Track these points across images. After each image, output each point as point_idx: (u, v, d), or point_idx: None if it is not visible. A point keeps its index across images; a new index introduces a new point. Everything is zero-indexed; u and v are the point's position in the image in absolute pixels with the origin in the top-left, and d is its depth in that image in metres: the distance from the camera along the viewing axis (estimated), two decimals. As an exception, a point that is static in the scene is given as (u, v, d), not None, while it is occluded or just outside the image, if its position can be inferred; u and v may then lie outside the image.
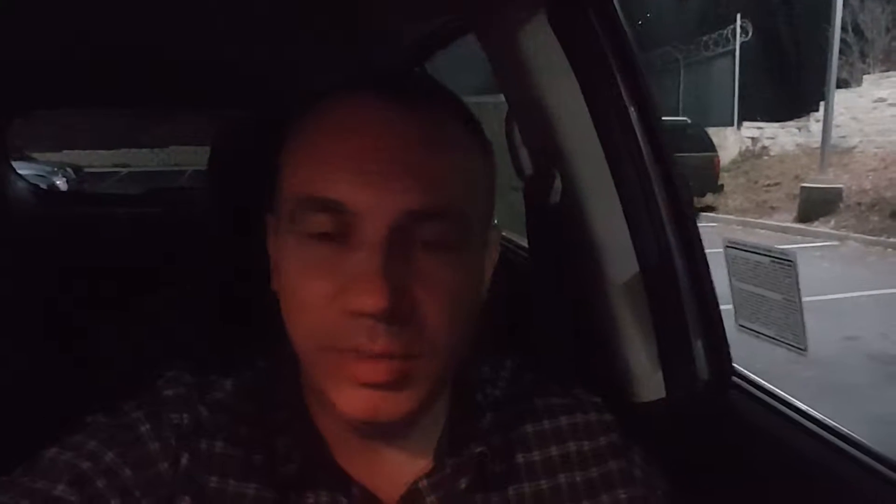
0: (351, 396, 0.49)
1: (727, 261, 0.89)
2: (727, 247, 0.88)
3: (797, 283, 0.80)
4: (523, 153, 1.05)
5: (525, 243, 1.19)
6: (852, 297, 6.19)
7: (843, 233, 9.42)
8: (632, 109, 0.94)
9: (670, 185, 0.95)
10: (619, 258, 0.98)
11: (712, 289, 0.95)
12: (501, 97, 1.10)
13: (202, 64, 1.59)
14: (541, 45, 0.96)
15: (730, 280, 0.91)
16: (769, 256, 0.82)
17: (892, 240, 8.79)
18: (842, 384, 4.07)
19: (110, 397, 0.58)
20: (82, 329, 1.02)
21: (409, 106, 0.51)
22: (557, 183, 0.98)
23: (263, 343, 0.61)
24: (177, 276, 1.06)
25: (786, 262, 0.80)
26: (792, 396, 0.89)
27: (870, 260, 8.23)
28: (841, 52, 11.77)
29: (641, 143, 0.95)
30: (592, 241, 0.99)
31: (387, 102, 0.51)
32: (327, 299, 0.48)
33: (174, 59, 1.50)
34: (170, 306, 1.00)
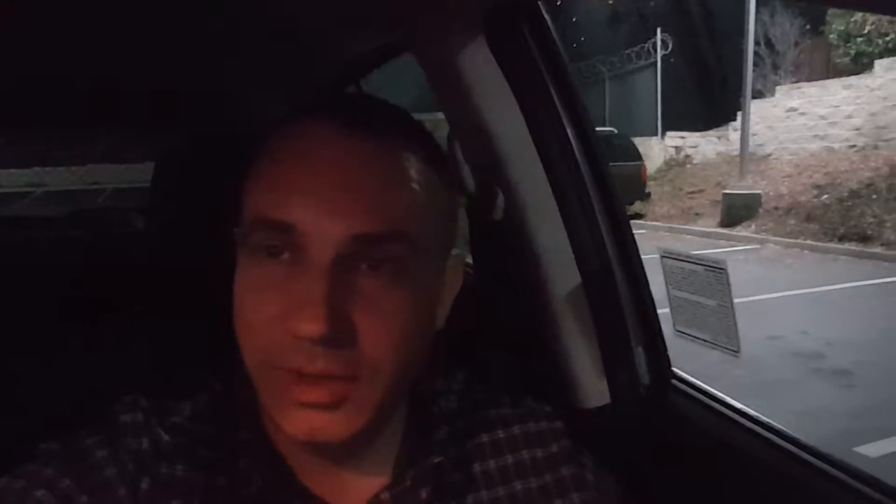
0: (292, 416, 0.50)
1: (664, 270, 0.93)
2: (663, 257, 0.93)
3: (729, 289, 0.84)
4: (466, 170, 1.07)
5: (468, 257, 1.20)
6: (774, 298, 6.48)
7: (763, 236, 9.86)
8: (568, 125, 0.98)
9: (608, 198, 0.99)
10: (561, 270, 1.01)
11: (651, 297, 1.00)
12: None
13: (128, 81, 1.54)
14: (479, 64, 0.98)
15: (667, 289, 0.95)
16: (703, 265, 0.87)
17: (808, 242, 9.25)
18: (769, 381, 4.26)
19: (55, 428, 0.56)
20: (5, 362, 0.97)
21: (364, 132, 0.51)
22: (500, 199, 1.00)
23: (216, 365, 0.60)
24: (112, 301, 1.02)
25: (718, 270, 0.85)
26: (725, 393, 0.93)
27: (788, 261, 8.63)
28: (755, 64, 12.38)
29: (578, 158, 0.99)
30: (535, 254, 1.01)
31: (343, 129, 0.51)
32: (273, 320, 0.49)
33: (97, 75, 1.44)
34: (114, 334, 0.97)
